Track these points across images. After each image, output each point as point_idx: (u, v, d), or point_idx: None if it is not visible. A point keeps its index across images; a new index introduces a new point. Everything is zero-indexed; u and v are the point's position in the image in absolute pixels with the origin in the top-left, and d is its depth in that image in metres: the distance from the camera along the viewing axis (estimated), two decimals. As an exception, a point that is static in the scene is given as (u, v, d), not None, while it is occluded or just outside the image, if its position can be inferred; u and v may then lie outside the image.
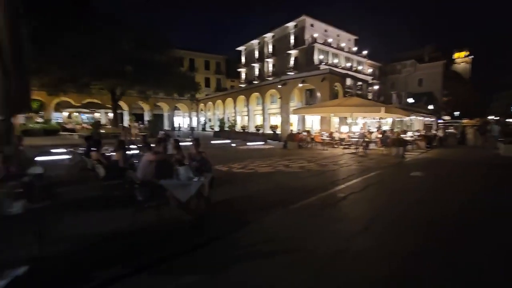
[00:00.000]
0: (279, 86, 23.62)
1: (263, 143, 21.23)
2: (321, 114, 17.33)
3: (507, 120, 28.67)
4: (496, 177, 7.50)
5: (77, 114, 33.78)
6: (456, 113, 42.68)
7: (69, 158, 7.50)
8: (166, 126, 42.71)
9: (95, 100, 30.24)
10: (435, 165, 9.80)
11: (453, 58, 73.24)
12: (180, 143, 5.34)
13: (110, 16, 19.46)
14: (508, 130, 17.94)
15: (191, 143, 4.48)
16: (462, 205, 4.64)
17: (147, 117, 41.14)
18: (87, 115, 34.27)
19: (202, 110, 45.41)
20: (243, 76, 49.36)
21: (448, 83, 45.34)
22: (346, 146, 15.43)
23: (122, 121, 38.08)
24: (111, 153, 5.71)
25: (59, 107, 32.11)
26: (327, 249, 2.96)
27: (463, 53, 74.55)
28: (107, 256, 2.82)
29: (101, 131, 22.82)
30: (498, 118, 31.93)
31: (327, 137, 16.50)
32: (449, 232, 3.47)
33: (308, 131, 18.46)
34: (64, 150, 9.96)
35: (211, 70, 51.95)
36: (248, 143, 20.45)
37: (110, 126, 25.47)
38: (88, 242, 3.11)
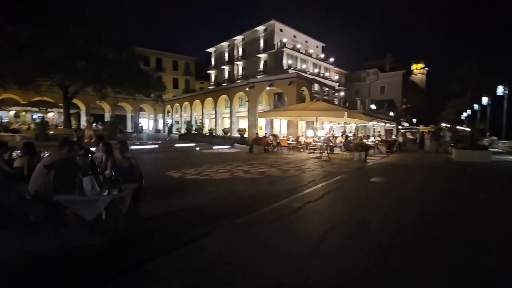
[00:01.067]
0: (247, 89, 23.20)
1: (229, 146, 20.61)
2: (286, 117, 17.14)
3: (458, 127, 31.10)
4: (452, 183, 7.61)
5: (25, 113, 30.48)
6: (414, 120, 45.58)
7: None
8: (129, 128, 40.27)
9: (46, 98, 27.46)
10: (394, 170, 9.88)
11: (411, 69, 78.80)
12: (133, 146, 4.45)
13: (63, 6, 17.63)
14: (459, 137, 19.22)
15: (117, 146, 3.70)
16: (421, 214, 4.40)
17: (108, 118, 38.51)
18: (40, 114, 31.21)
19: (169, 111, 43.59)
20: (212, 78, 48.39)
21: (406, 91, 48.41)
22: (311, 151, 15.30)
23: (79, 122, 35.28)
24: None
25: (1, 105, 28.73)
26: (269, 278, 2.40)
27: (419, 65, 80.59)
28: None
29: (50, 132, 20.67)
30: (450, 125, 34.53)
31: (293, 141, 16.32)
32: (409, 249, 3.11)
33: (275, 135, 18.18)
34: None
35: (180, 71, 50.27)
36: (214, 147, 19.70)
37: (62, 127, 23.21)
38: None
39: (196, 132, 29.89)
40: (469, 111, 30.61)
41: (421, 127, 37.02)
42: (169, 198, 5.17)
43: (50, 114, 36.67)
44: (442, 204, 4.95)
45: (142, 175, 3.80)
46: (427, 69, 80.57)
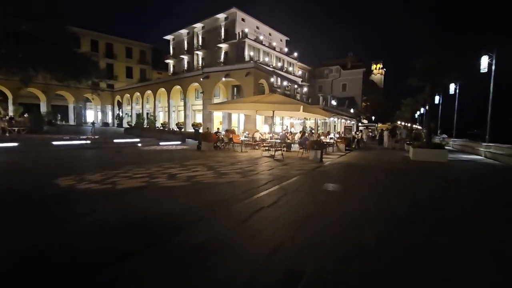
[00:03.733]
0: (201, 79, 21.07)
1: (179, 142, 18.44)
2: (239, 111, 15.47)
3: (413, 126, 32.16)
4: (414, 192, 6.58)
5: None
6: (373, 117, 46.95)
7: None
8: (72, 121, 35.59)
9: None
10: (350, 173, 8.73)
11: (371, 69, 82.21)
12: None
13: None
14: (415, 135, 19.29)
15: None
16: (378, 250, 3.00)
17: (44, 108, 33.73)
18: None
19: (120, 102, 39.50)
20: (171, 68, 44.96)
21: (366, 89, 49.74)
22: (267, 148, 13.86)
23: (7, 112, 30.36)
24: None
25: None
26: None
27: (378, 65, 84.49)
28: None
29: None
30: (406, 124, 35.79)
31: (246, 137, 14.74)
32: None
33: (228, 131, 16.44)
34: None
35: (134, 59, 46.03)
36: (161, 143, 17.40)
37: (-30, 118, 19.05)
38: None
39: (147, 126, 27.07)
40: (422, 110, 31.74)
41: (379, 125, 37.99)
42: (14, 229, 3.16)
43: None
44: (404, 231, 3.62)
45: None
46: (385, 69, 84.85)
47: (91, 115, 38.85)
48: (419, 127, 42.97)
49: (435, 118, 26.32)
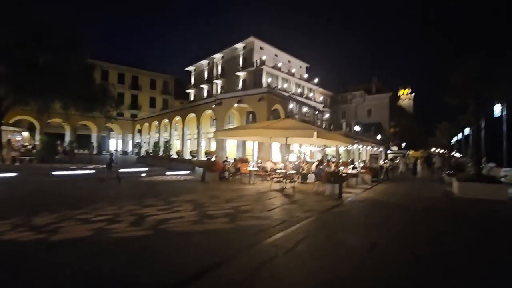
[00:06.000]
0: (213, 106, 20.33)
1: (188, 172, 17.34)
2: (248, 137, 14.09)
3: (451, 153, 28.70)
4: (485, 263, 4.50)
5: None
6: (403, 144, 43.38)
7: None
8: (93, 150, 36.38)
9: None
10: (378, 217, 6.70)
11: (398, 94, 78.97)
12: None
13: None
14: (455, 164, 16.54)
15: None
16: None
17: (68, 137, 34.90)
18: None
19: (140, 131, 40.24)
20: (192, 97, 45.84)
21: (394, 115, 46.82)
22: (278, 180, 12.10)
23: (33, 141, 31.62)
24: None
25: None
26: None
27: (406, 90, 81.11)
28: None
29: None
30: (441, 151, 32.28)
31: (257, 166, 13.16)
32: None
33: (236, 160, 15.02)
34: None
35: (158, 90, 47.79)
36: (167, 173, 16.42)
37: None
38: None
39: (163, 154, 26.58)
40: (460, 135, 28.45)
41: (411, 152, 34.59)
42: None
43: (25, 134, 33.01)
44: None
45: None
46: (414, 94, 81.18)
47: (113, 144, 39.74)
48: (457, 154, 38.72)
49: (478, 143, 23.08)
